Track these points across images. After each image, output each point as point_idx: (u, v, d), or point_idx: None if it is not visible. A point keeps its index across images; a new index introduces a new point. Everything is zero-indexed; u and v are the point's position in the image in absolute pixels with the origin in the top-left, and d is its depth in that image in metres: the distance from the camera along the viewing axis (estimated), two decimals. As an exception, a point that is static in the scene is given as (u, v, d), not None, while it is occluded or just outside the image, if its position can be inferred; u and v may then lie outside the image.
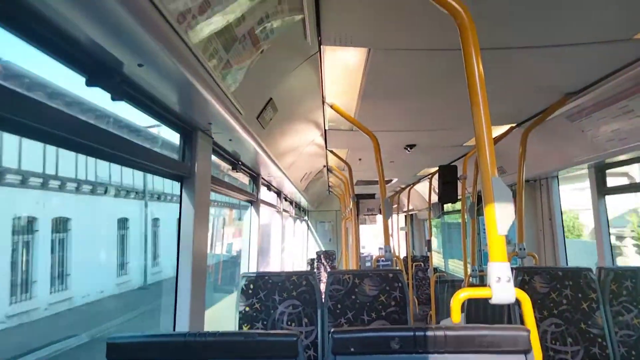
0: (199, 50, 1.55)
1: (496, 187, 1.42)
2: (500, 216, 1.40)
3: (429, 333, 1.34)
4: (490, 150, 1.46)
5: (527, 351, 1.33)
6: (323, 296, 3.16)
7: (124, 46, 1.33)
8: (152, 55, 1.38)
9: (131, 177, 14.90)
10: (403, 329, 1.38)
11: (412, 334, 1.35)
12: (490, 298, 1.41)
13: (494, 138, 4.62)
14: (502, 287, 1.39)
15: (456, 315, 1.46)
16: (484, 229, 1.50)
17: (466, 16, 1.46)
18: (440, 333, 1.33)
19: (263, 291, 3.14)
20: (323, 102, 3.33)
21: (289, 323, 3.10)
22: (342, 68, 2.78)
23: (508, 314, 3.01)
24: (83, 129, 1.45)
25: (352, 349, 1.38)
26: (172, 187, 16.98)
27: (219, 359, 1.40)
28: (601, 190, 4.01)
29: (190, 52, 1.50)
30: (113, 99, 1.54)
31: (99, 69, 1.43)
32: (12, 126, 1.20)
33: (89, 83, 1.43)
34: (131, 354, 1.42)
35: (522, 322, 1.53)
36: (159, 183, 16.59)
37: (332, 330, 1.44)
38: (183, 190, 2.38)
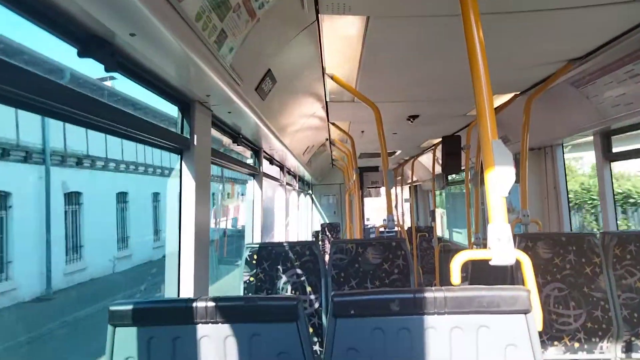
0: (192, 19, 1.53)
1: (496, 150, 1.41)
2: (501, 178, 1.40)
3: (429, 295, 1.35)
4: (491, 113, 1.45)
5: (526, 311, 1.34)
6: (327, 266, 3.19)
7: (114, 15, 1.31)
8: (144, 25, 1.36)
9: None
10: (403, 291, 1.40)
11: (412, 295, 1.37)
12: (490, 260, 1.42)
13: (497, 107, 4.59)
14: (502, 248, 1.39)
15: (456, 277, 1.47)
16: None
17: None
18: (440, 294, 1.34)
19: (267, 261, 3.18)
20: (323, 74, 3.29)
21: (293, 292, 3.15)
22: (341, 38, 2.73)
23: (511, 279, 3.03)
24: (81, 101, 1.44)
25: (352, 312, 1.40)
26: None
27: (221, 323, 1.43)
28: (606, 156, 3.97)
29: (182, 21, 1.47)
30: (106, 70, 1.52)
31: (90, 40, 1.41)
32: (11, 99, 1.19)
33: (81, 54, 1.42)
34: (134, 320, 1.45)
35: (523, 284, 1.54)
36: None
37: (332, 293, 1.46)
38: (183, 162, 2.38)
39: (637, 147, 3.72)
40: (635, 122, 3.48)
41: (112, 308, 1.45)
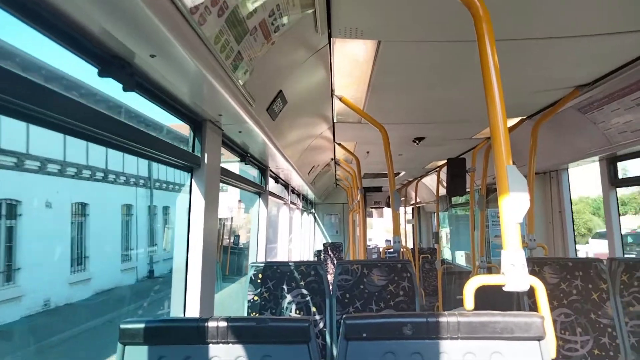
0: (211, 42, 1.56)
1: (511, 176, 1.41)
2: (515, 204, 1.40)
3: (442, 319, 1.34)
4: (506, 138, 1.46)
5: (540, 338, 1.33)
6: (331, 286, 3.18)
7: (136, 37, 1.33)
8: (165, 47, 1.38)
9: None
10: (415, 314, 1.39)
11: (424, 320, 1.36)
12: (504, 285, 1.41)
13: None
14: (516, 274, 1.39)
15: (469, 302, 1.46)
16: (493, 222, 1.49)
17: (481, 6, 1.44)
18: (453, 319, 1.34)
19: (272, 280, 3.17)
20: (332, 95, 3.32)
21: (298, 312, 3.13)
22: (352, 60, 2.76)
23: (517, 305, 3.00)
24: (95, 118, 1.46)
25: (364, 335, 1.39)
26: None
27: (232, 344, 1.42)
28: (612, 182, 3.98)
29: (202, 44, 1.50)
30: (125, 89, 1.55)
31: (111, 60, 1.44)
32: (27, 116, 1.21)
33: (101, 74, 1.44)
34: (144, 339, 1.44)
35: (532, 309, 1.52)
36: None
37: (344, 316, 1.45)
38: (193, 180, 2.40)
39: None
40: None
41: (123, 326, 1.45)
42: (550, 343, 1.40)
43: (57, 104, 1.27)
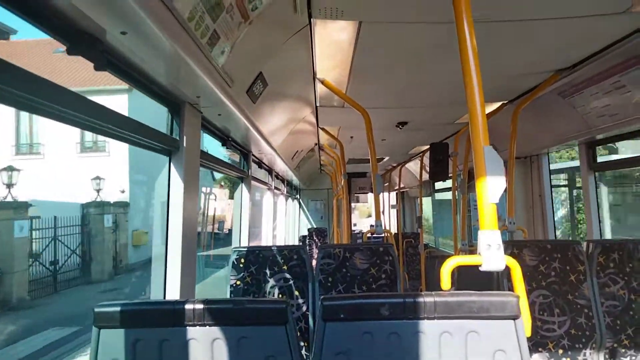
0: (185, 19, 1.51)
1: (488, 157, 1.42)
2: (492, 185, 1.40)
3: (419, 299, 1.35)
4: (483, 120, 1.46)
5: (516, 317, 1.34)
6: (314, 270, 3.18)
7: (106, 12, 1.29)
8: (136, 23, 1.34)
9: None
10: (393, 295, 1.40)
11: (402, 300, 1.37)
12: (480, 265, 1.42)
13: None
14: (492, 255, 1.40)
15: (446, 283, 1.47)
16: (475, 206, 1.50)
17: None
18: (429, 299, 1.35)
19: (254, 265, 3.16)
20: (314, 78, 3.29)
21: (280, 296, 3.13)
22: (333, 42, 2.73)
23: (497, 287, 3.05)
24: (70, 99, 1.42)
25: (342, 315, 1.39)
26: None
27: (209, 326, 1.41)
28: (591, 166, 4.04)
29: (175, 20, 1.46)
30: (96, 68, 1.50)
31: (80, 37, 1.39)
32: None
33: (70, 51, 1.39)
34: (120, 322, 1.42)
35: (511, 291, 1.54)
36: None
37: (321, 297, 1.45)
38: (172, 164, 2.36)
39: (621, 158, 3.79)
40: (619, 132, 3.54)
41: (97, 310, 1.43)
42: (525, 322, 1.42)
43: (26, 82, 1.22)
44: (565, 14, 2.22)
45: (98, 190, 14.82)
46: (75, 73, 14.98)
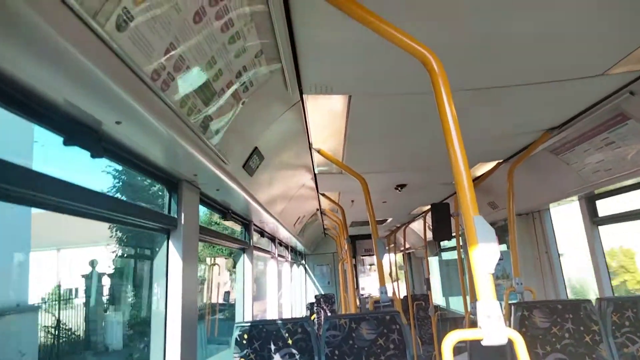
0: (177, 105, 1.58)
1: (479, 226, 1.40)
2: (485, 254, 1.38)
3: None
4: (470, 189, 1.45)
5: None
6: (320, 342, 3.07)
7: (100, 105, 1.34)
8: (129, 113, 1.39)
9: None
10: None
11: None
12: (481, 340, 1.36)
13: (482, 174, 4.63)
14: (493, 326, 1.35)
15: None
16: None
17: (435, 61, 1.48)
18: None
19: (258, 341, 3.05)
20: (310, 148, 3.37)
21: None
22: (326, 114, 2.82)
23: (511, 352, 2.92)
24: (66, 190, 1.44)
25: None
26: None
27: None
28: (594, 220, 4.01)
29: (167, 108, 1.52)
30: (92, 156, 1.54)
31: (76, 129, 1.44)
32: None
33: (67, 142, 1.44)
34: None
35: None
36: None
37: None
38: (170, 242, 2.35)
39: (622, 212, 3.77)
40: (617, 186, 3.55)
41: None
42: None
43: (23, 177, 1.26)
44: (545, 79, 2.31)
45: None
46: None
